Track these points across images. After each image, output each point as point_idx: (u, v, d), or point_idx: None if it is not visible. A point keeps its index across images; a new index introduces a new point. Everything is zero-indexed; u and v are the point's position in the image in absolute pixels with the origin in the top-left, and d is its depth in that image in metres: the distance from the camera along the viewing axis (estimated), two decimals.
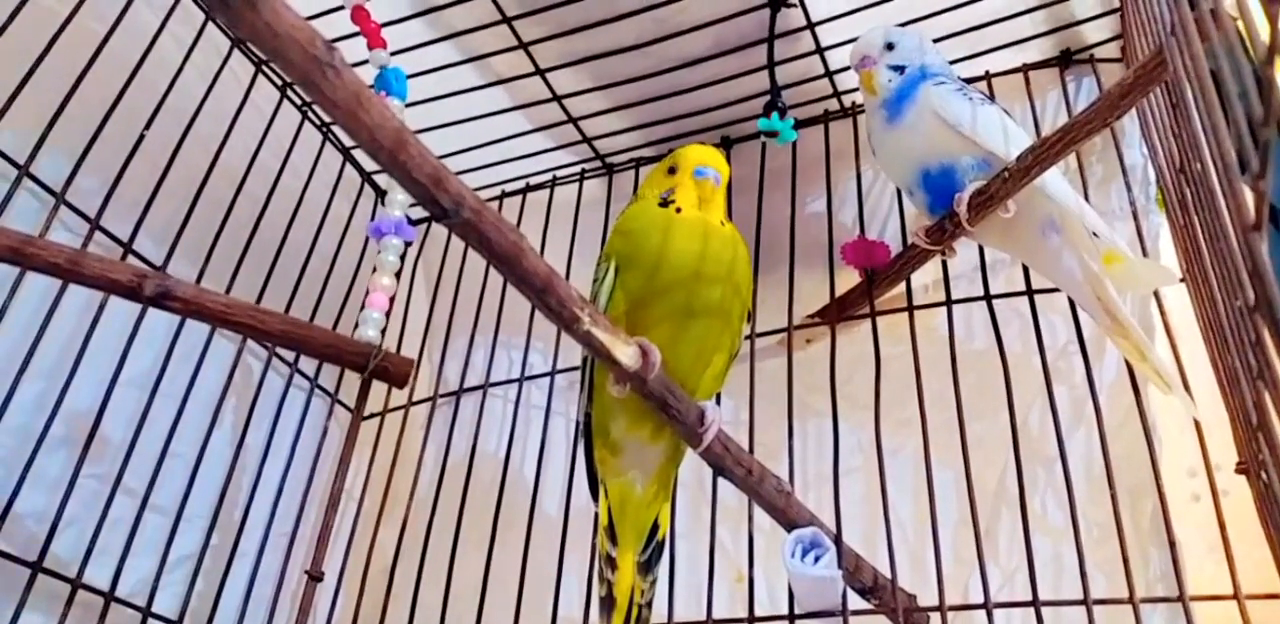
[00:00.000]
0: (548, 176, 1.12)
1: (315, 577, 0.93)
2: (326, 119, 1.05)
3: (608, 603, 0.68)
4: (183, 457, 0.84)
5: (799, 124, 0.95)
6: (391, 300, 0.90)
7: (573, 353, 0.93)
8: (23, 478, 0.71)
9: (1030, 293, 0.80)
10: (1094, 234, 0.74)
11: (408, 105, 0.93)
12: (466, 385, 1.02)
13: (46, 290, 0.74)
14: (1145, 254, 0.81)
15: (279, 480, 0.93)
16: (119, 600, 0.77)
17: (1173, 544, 0.66)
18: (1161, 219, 0.85)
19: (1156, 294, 0.77)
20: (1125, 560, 0.65)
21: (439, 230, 1.10)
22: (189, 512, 0.83)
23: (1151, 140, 0.82)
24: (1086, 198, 0.81)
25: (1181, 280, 0.76)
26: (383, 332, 0.88)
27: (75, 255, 0.54)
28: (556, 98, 1.02)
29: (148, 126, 0.84)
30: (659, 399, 0.64)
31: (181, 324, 0.84)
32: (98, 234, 0.80)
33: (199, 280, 0.85)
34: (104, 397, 0.78)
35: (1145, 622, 0.63)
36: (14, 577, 0.70)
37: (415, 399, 1.02)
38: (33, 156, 0.75)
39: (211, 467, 0.87)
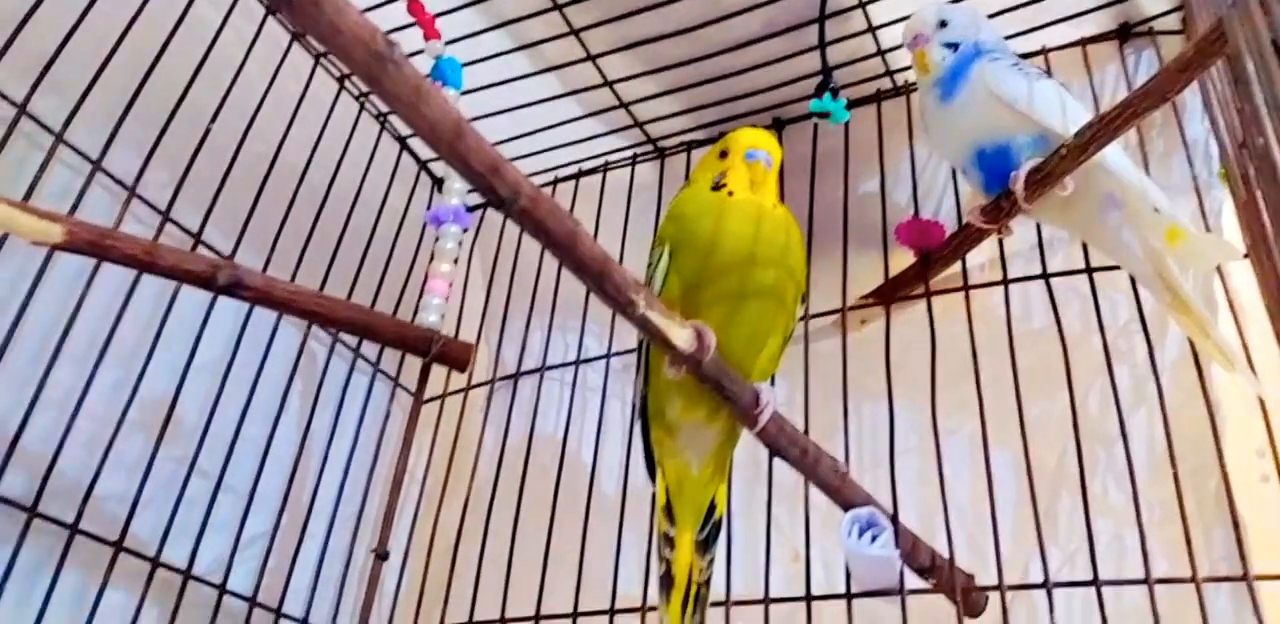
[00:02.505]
0: (600, 161, 1.13)
1: (381, 555, 0.95)
2: (384, 109, 1.06)
3: (666, 581, 0.69)
4: (253, 440, 0.87)
5: (851, 104, 0.95)
6: (450, 287, 0.91)
7: (628, 336, 0.94)
8: (103, 461, 0.74)
9: (1090, 271, 0.79)
10: (1155, 209, 0.73)
11: (462, 94, 0.94)
12: (524, 369, 1.03)
13: (122, 281, 0.77)
14: (1208, 229, 0.79)
15: (345, 462, 0.96)
16: (196, 578, 0.80)
17: (1236, 524, 0.65)
18: (1224, 194, 0.83)
19: (1220, 270, 0.76)
20: (1188, 540, 0.65)
21: (495, 216, 1.11)
22: (260, 493, 0.86)
23: (1213, 114, 0.81)
24: (1147, 172, 0.79)
25: (1245, 256, 0.74)
26: (442, 316, 0.90)
27: (151, 247, 0.56)
28: (608, 83, 1.03)
29: (213, 120, 0.86)
30: (714, 381, 0.64)
31: (250, 312, 0.87)
32: (168, 225, 0.83)
33: (265, 269, 0.87)
34: (178, 382, 0.80)
35: (1208, 601, 0.62)
36: (97, 556, 0.74)
37: (474, 383, 1.04)
38: (105, 151, 0.77)
39: (280, 449, 0.89)
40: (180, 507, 0.79)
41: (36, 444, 0.71)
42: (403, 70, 0.46)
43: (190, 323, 0.82)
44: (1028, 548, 0.71)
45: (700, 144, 1.09)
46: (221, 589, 0.82)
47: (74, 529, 0.72)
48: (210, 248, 0.86)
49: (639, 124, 1.08)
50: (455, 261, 0.94)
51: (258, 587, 0.85)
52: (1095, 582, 0.65)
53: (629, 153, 1.12)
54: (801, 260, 0.71)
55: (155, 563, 0.77)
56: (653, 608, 0.74)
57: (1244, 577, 0.62)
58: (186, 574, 0.79)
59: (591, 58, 1.00)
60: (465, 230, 0.93)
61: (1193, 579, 0.63)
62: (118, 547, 0.74)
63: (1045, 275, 0.81)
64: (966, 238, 0.82)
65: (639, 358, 0.72)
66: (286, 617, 0.87)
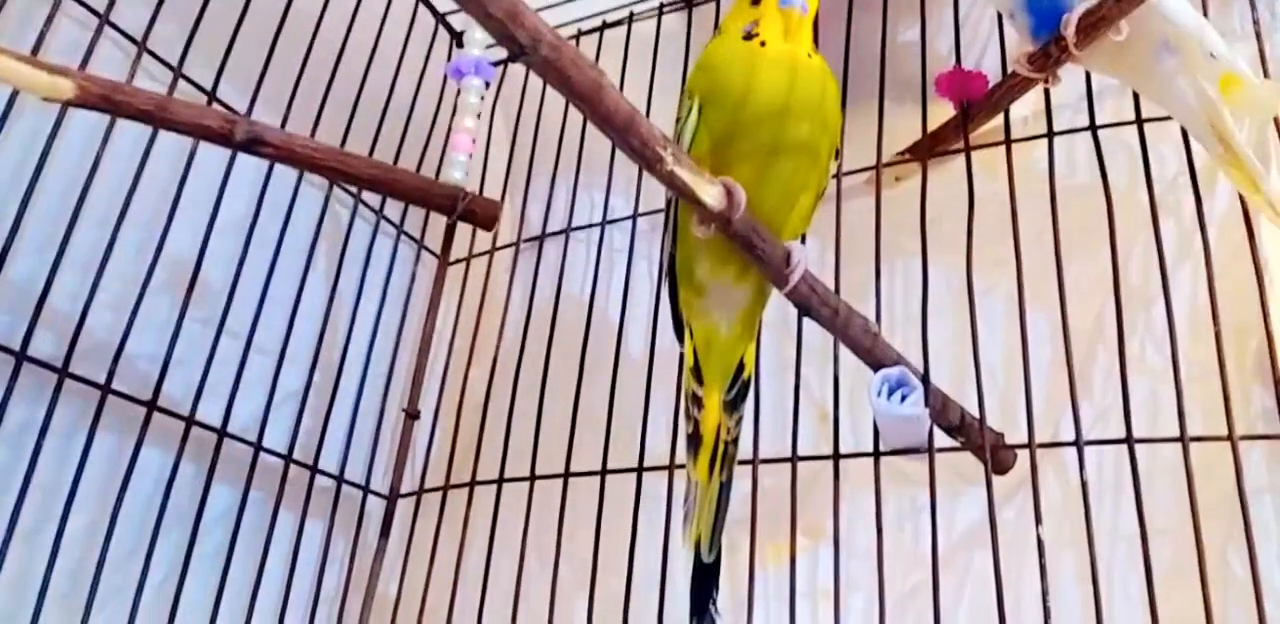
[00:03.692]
0: (624, 13, 1.08)
1: (412, 414, 0.97)
2: None
3: (694, 440, 0.69)
4: (280, 300, 0.87)
5: None
6: (474, 143, 0.89)
7: (655, 196, 0.92)
8: (131, 322, 0.74)
9: (1140, 122, 0.76)
10: (1212, 55, 0.68)
11: None
12: (549, 230, 1.01)
13: (138, 139, 0.75)
14: (1266, 76, 0.75)
15: (373, 323, 0.97)
16: (231, 436, 0.81)
17: (1278, 382, 0.64)
18: None
19: (1276, 121, 0.72)
20: (1226, 398, 0.63)
21: (517, 72, 1.07)
22: (290, 353, 0.87)
23: None
24: (1205, 16, 0.74)
25: None
26: (466, 174, 0.88)
27: (165, 101, 0.54)
28: None
29: None
30: (744, 240, 0.63)
31: (270, 172, 0.85)
32: (181, 83, 0.80)
33: (283, 125, 0.85)
34: (201, 243, 0.80)
35: (1244, 460, 0.62)
36: (131, 416, 0.75)
37: (499, 244, 1.03)
38: (111, 4, 0.74)
39: (308, 310, 0.90)
40: (211, 366, 0.80)
41: (64, 305, 0.71)
42: None
43: (210, 183, 0.81)
44: (1060, 407, 0.70)
45: None
46: (257, 446, 0.83)
47: (106, 389, 0.72)
48: (225, 106, 0.84)
49: None
50: (478, 117, 0.91)
51: (292, 444, 0.87)
52: (1128, 440, 0.64)
53: (655, 2, 1.06)
54: (837, 114, 0.68)
55: (190, 421, 0.78)
56: (680, 466, 0.75)
57: None
58: (221, 432, 0.80)
59: None
60: (487, 85, 0.89)
61: (1229, 437, 0.62)
62: (151, 406, 0.75)
63: (1093, 127, 0.77)
64: (1011, 88, 0.78)
65: (667, 217, 0.70)
66: (322, 473, 0.89)
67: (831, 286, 0.74)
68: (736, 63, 0.65)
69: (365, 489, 0.94)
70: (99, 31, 0.74)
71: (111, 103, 0.54)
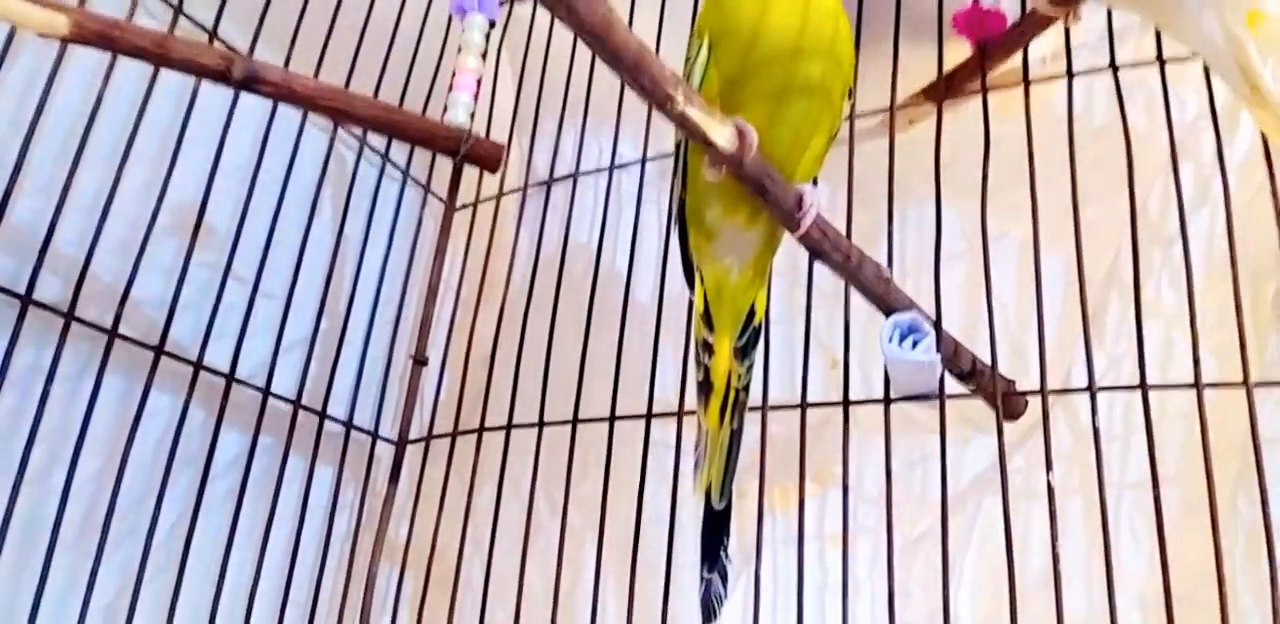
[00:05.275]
0: None
1: (420, 361, 0.97)
2: None
3: (705, 387, 0.69)
4: (287, 245, 0.86)
5: None
6: (478, 84, 0.87)
7: (664, 141, 0.90)
8: (136, 266, 0.74)
9: (1161, 62, 0.74)
10: None
11: None
12: (556, 175, 1.00)
13: (139, 79, 0.74)
14: None
15: (379, 269, 0.96)
16: (239, 381, 0.81)
17: None
18: None
19: None
20: (1242, 344, 0.62)
21: (523, 13, 1.05)
22: (297, 298, 0.86)
23: None
24: None
25: None
26: (471, 116, 0.86)
27: (162, 39, 0.53)
28: None
29: None
30: (755, 182, 0.61)
31: (273, 113, 0.84)
32: (182, 21, 0.78)
33: (285, 67, 0.84)
34: (206, 186, 0.79)
35: (1258, 407, 0.61)
36: (138, 360, 0.74)
37: (506, 189, 1.02)
38: None
39: (315, 255, 0.89)
40: (219, 311, 0.79)
41: (68, 249, 0.71)
42: None
43: (213, 125, 0.80)
44: (1072, 353, 0.70)
45: None
46: (266, 392, 0.83)
47: (113, 333, 0.72)
48: (226, 45, 0.82)
49: None
50: (483, 57, 0.89)
51: (300, 390, 0.87)
52: (1142, 386, 0.64)
53: None
54: (850, 53, 0.66)
55: (198, 366, 0.78)
56: (689, 412, 0.74)
57: None
58: (230, 377, 0.80)
59: None
60: (492, 24, 0.87)
61: (1244, 384, 0.62)
62: (158, 351, 0.75)
63: (1114, 66, 0.75)
64: (1030, 26, 0.76)
65: (676, 159, 0.69)
66: (330, 418, 0.89)
67: (843, 231, 0.73)
68: (748, 0, 0.63)
69: (374, 435, 0.95)
70: None
71: (108, 39, 0.53)
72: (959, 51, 0.82)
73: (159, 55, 0.53)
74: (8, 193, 0.66)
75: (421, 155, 0.99)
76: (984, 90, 0.79)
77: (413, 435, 0.96)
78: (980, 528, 0.75)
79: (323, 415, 0.88)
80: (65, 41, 0.53)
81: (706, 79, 0.64)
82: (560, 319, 0.89)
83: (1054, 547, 0.61)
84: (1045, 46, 0.80)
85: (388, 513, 0.92)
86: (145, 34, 0.53)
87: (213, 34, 0.81)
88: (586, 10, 0.50)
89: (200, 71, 0.54)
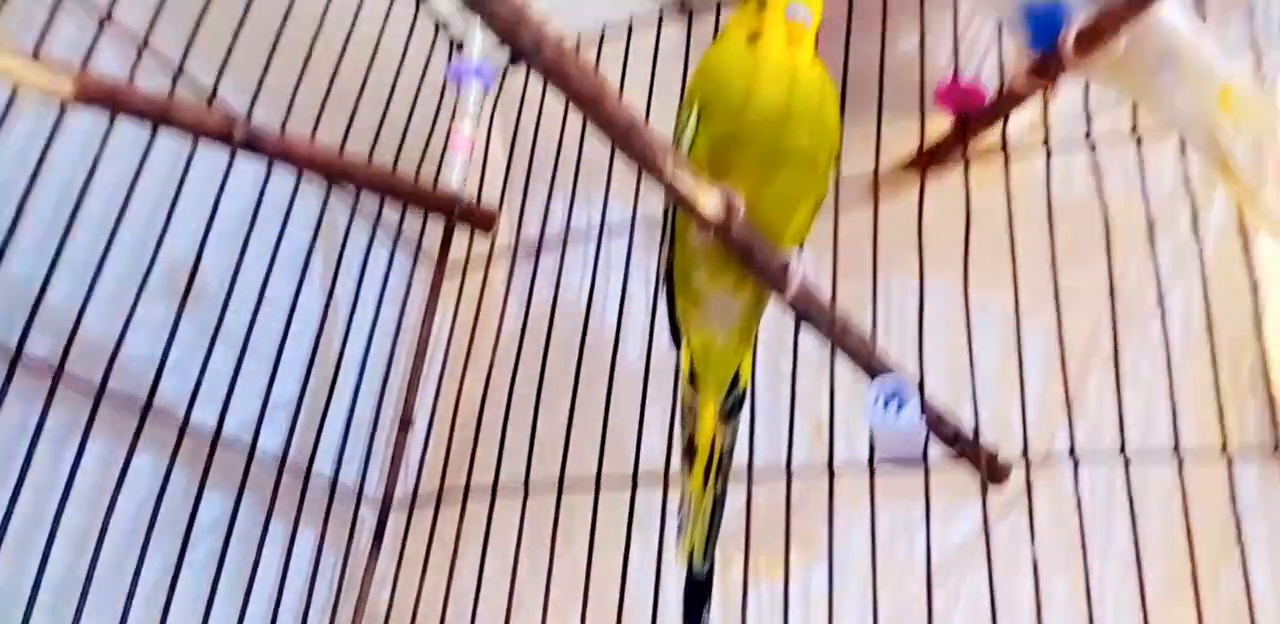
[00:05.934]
0: (625, 16, 1.08)
1: (407, 420, 0.97)
2: None
3: (689, 451, 0.69)
4: (277, 304, 0.86)
5: None
6: (472, 148, 0.89)
7: (652, 204, 0.92)
8: (127, 324, 0.74)
9: (1137, 135, 0.76)
10: (1210, 69, 0.69)
11: None
12: (546, 236, 1.02)
13: (137, 139, 0.75)
14: (1264, 90, 0.75)
15: (369, 328, 0.96)
16: (224, 441, 0.80)
17: (1272, 399, 0.64)
18: None
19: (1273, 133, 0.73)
20: (1221, 413, 0.64)
21: (516, 77, 1.08)
22: (286, 358, 0.86)
23: None
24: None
25: None
26: (465, 180, 0.88)
27: (165, 101, 0.54)
28: None
29: None
30: (742, 248, 0.63)
31: (268, 174, 0.85)
32: (182, 82, 0.80)
33: (283, 128, 0.85)
34: (199, 245, 0.79)
35: (1237, 475, 0.62)
36: (125, 418, 0.74)
37: (496, 251, 1.03)
38: (113, 2, 0.74)
39: (304, 315, 0.89)
40: (206, 371, 0.79)
41: (60, 306, 0.71)
42: None
43: (208, 185, 0.80)
44: (1054, 421, 0.70)
45: (731, 1, 1.03)
46: (250, 452, 0.83)
47: (100, 392, 0.72)
48: (225, 104, 0.84)
49: None
50: (477, 122, 0.91)
51: (286, 450, 0.86)
52: (1123, 454, 0.65)
53: (655, 10, 1.07)
54: (836, 122, 0.68)
55: (184, 425, 0.77)
56: (675, 476, 0.74)
57: (1276, 449, 0.62)
58: (215, 437, 0.80)
59: None
60: (487, 90, 0.89)
61: (1223, 452, 0.62)
62: (145, 410, 0.75)
63: (1090, 138, 0.77)
64: (1009, 100, 0.79)
65: (664, 225, 0.70)
66: (315, 479, 0.89)
67: (828, 296, 0.74)
68: (738, 69, 0.65)
69: (358, 497, 0.94)
70: (100, 29, 0.74)
71: (113, 100, 0.54)
72: (942, 121, 0.85)
73: (162, 116, 0.54)
74: (3, 249, 0.67)
75: (413, 216, 1.00)
76: (965, 161, 0.81)
77: (397, 497, 0.96)
78: (966, 596, 0.74)
79: (307, 476, 0.88)
80: (70, 102, 0.54)
81: (696, 145, 0.66)
82: (548, 381, 0.89)
83: (1039, 617, 0.61)
84: (1025, 118, 0.82)
85: (370, 576, 0.91)
86: (149, 96, 0.54)
87: (212, 94, 0.82)
88: (580, 80, 0.52)
89: (202, 132, 0.55)
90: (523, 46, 0.49)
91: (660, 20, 1.06)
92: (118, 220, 0.73)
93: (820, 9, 0.68)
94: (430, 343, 1.00)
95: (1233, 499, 0.61)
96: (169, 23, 0.78)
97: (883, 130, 0.85)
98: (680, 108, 0.69)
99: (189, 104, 0.55)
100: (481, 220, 0.83)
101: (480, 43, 0.86)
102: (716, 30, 1.01)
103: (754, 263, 0.63)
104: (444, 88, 1.03)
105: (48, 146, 0.69)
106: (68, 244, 0.70)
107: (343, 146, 0.91)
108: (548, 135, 1.02)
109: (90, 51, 0.72)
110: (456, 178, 0.82)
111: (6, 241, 0.67)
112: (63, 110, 0.69)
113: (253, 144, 0.56)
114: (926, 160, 0.84)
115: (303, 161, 0.60)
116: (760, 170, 0.64)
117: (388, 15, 1.00)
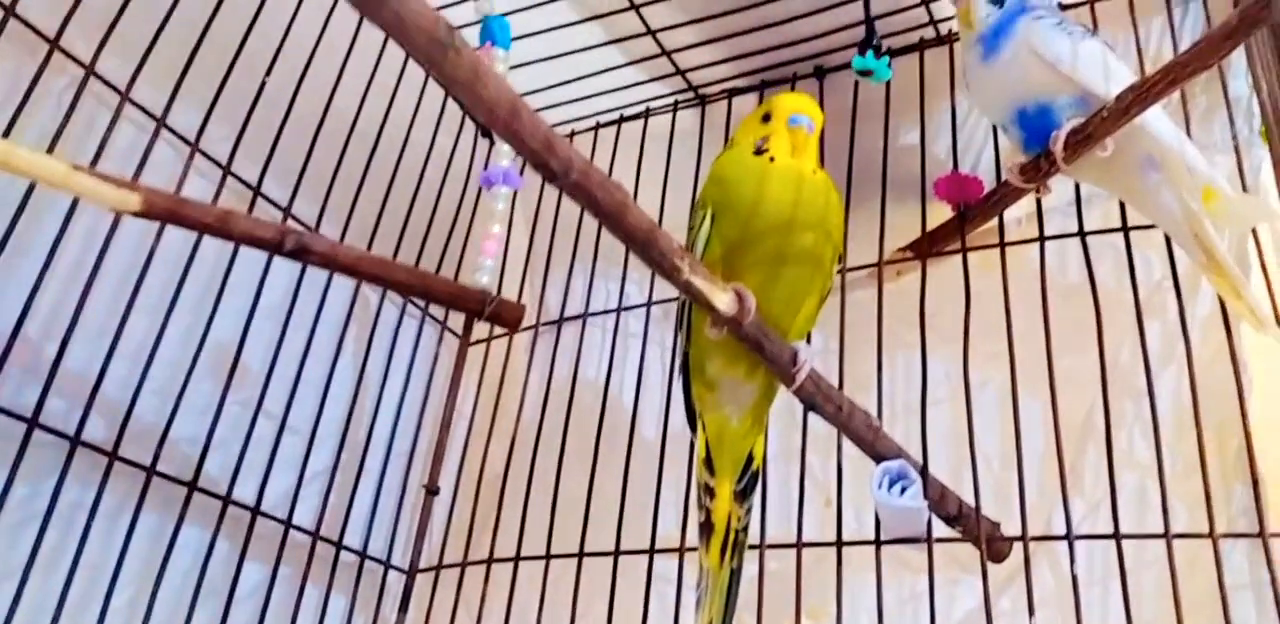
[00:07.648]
0: (642, 108, 1.14)
1: (432, 491, 1.01)
2: None
3: (706, 528, 0.73)
4: (313, 382, 0.91)
5: (894, 53, 0.95)
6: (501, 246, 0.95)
7: (668, 285, 0.96)
8: (176, 406, 0.79)
9: (1125, 229, 0.80)
10: (1193, 170, 0.73)
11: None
12: (567, 315, 1.06)
13: (187, 236, 0.80)
14: (1245, 188, 0.80)
15: (397, 403, 1.01)
16: (264, 514, 0.85)
17: (1256, 481, 0.68)
18: (1265, 152, 0.84)
19: (1254, 230, 0.77)
20: (1208, 496, 0.67)
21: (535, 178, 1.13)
22: (320, 432, 0.91)
23: (1255, 73, 0.81)
24: (1188, 130, 0.80)
25: None
26: (493, 279, 0.93)
27: (223, 214, 0.59)
28: (650, 32, 1.03)
29: (268, 74, 0.88)
30: (753, 341, 0.67)
31: (305, 267, 0.90)
32: (229, 179, 0.86)
33: (320, 217, 0.92)
34: (242, 331, 0.85)
35: (1225, 556, 0.65)
36: (173, 495, 0.79)
37: (519, 328, 1.08)
38: (168, 108, 0.80)
39: (338, 391, 0.94)
40: (249, 447, 0.84)
41: (115, 392, 0.76)
42: (462, 55, 0.48)
43: (252, 275, 0.86)
44: (1052, 499, 0.74)
45: (742, 91, 1.09)
46: (287, 524, 0.87)
47: (151, 471, 0.77)
48: (268, 199, 0.90)
49: (680, 72, 1.09)
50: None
51: (320, 521, 0.91)
52: (1116, 535, 0.68)
53: (670, 100, 1.13)
54: (839, 224, 0.73)
55: (226, 501, 0.82)
56: (691, 548, 0.78)
57: (1260, 533, 0.65)
58: (255, 510, 0.84)
59: (635, 7, 1.00)
60: (516, 193, 0.95)
61: (1210, 535, 0.66)
62: (191, 486, 0.79)
63: (1081, 233, 0.82)
64: (1005, 195, 0.84)
65: (679, 316, 0.75)
66: (346, 549, 0.93)
67: (835, 376, 0.78)
68: (747, 177, 0.70)
69: (386, 564, 0.98)
70: (156, 133, 0.80)
71: (175, 214, 0.59)
72: (942, 211, 0.89)
73: (220, 229, 0.59)
74: (65, 340, 0.72)
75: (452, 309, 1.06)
76: (964, 249, 0.85)
77: (423, 564, 1.00)
78: None
79: (339, 546, 0.92)
80: (135, 216, 0.59)
81: (709, 246, 0.70)
82: (568, 452, 0.93)
83: None
84: (1020, 209, 0.87)
85: None
86: (209, 210, 0.59)
87: (257, 190, 0.88)
88: (605, 197, 0.56)
89: (255, 243, 0.60)
90: (553, 170, 0.53)
91: (675, 107, 1.12)
92: (169, 311, 0.79)
93: (822, 119, 0.73)
94: (455, 414, 1.04)
95: (1220, 579, 0.64)
96: (217, 123, 0.84)
97: (886, 217, 0.90)
98: (693, 211, 0.73)
99: (243, 217, 0.59)
100: (508, 321, 0.88)
101: (509, 149, 0.92)
102: (729, 117, 1.07)
103: (765, 354, 0.68)
104: (470, 174, 1.09)
105: (106, 245, 0.75)
106: (123, 334, 0.75)
107: (373, 234, 0.96)
108: (568, 221, 1.07)
109: (147, 152, 0.78)
110: (485, 279, 0.87)
111: (70, 332, 0.72)
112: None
113: (301, 254, 0.61)
114: (927, 247, 0.89)
115: (348, 268, 0.66)
116: (769, 269, 0.68)
117: (418, 108, 1.06)
